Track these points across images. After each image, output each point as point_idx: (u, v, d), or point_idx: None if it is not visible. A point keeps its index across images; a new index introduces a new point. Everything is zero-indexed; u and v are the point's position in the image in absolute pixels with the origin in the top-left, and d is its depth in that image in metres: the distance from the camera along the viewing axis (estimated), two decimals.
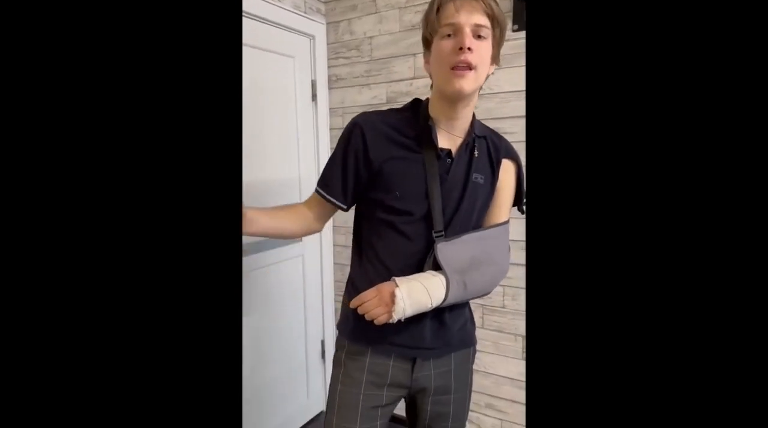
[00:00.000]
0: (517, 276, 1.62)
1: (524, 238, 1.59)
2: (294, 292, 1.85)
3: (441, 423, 0.97)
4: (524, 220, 1.47)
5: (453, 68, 0.78)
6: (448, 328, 0.92)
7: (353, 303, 0.83)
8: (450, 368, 0.95)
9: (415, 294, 0.81)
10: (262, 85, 1.62)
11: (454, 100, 0.83)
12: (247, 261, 1.60)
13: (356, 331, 0.91)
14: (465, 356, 0.99)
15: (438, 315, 0.90)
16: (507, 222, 0.97)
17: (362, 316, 0.85)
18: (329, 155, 0.93)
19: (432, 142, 0.86)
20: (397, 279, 0.82)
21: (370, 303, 0.81)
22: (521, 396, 1.68)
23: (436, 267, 0.86)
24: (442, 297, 0.83)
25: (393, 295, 0.80)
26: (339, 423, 0.91)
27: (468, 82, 0.79)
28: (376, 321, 0.81)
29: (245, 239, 1.58)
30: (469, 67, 0.78)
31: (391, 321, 0.81)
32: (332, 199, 0.90)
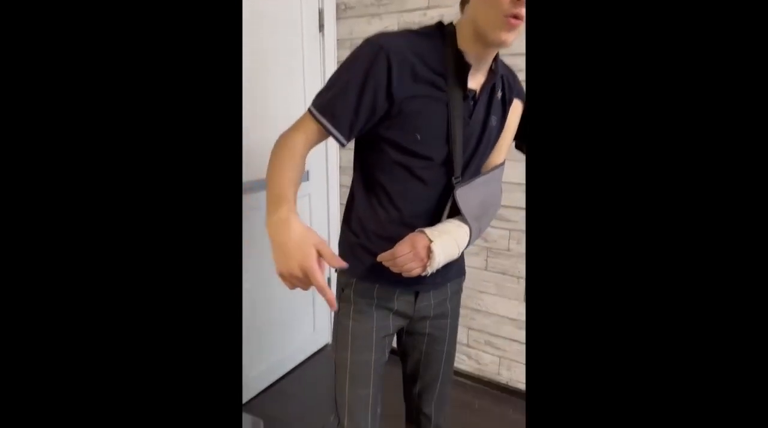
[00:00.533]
0: (523, 219, 1.61)
1: None
2: None
3: (437, 347, 1.02)
4: None
5: (506, 16, 0.69)
6: (448, 264, 0.94)
7: (384, 258, 0.81)
8: (447, 296, 1.00)
9: (448, 248, 0.82)
10: (264, 13, 1.53)
11: (493, 46, 0.76)
12: (256, 197, 1.60)
13: (364, 270, 0.91)
14: (458, 285, 1.03)
15: None
16: (504, 162, 0.96)
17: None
18: (339, 76, 0.77)
19: (464, 83, 0.80)
20: (429, 233, 0.81)
21: (405, 258, 0.79)
22: (520, 335, 1.73)
23: (451, 213, 0.86)
24: (465, 245, 0.86)
25: (429, 250, 0.79)
26: (354, 357, 0.93)
27: (516, 35, 0.72)
28: (407, 275, 0.81)
29: (255, 176, 1.56)
30: (522, 18, 0.70)
31: (423, 274, 0.81)
32: (336, 134, 0.78)
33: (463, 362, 1.87)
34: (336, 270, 1.00)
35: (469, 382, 1.85)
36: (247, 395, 1.75)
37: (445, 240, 0.81)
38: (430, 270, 0.80)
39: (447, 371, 1.07)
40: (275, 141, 0.80)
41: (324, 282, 0.64)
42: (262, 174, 1.66)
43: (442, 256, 0.80)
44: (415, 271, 0.80)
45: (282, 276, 0.66)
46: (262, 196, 1.64)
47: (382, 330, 0.95)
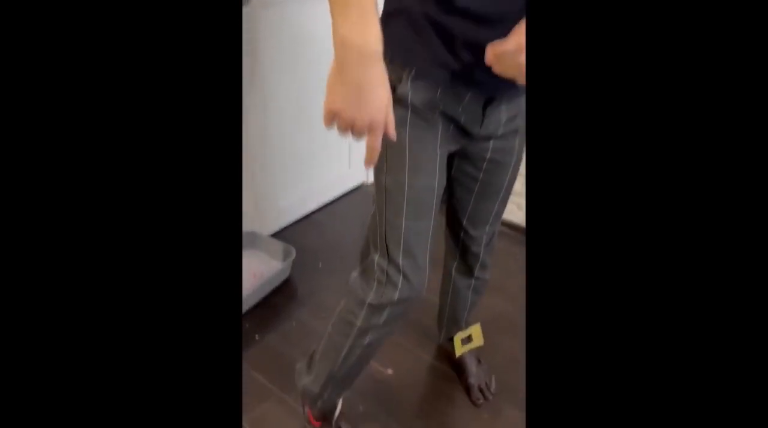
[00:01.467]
0: None
1: None
2: None
3: (497, 177, 0.83)
4: None
5: None
6: None
7: (503, 50, 0.57)
8: (519, 110, 0.75)
9: None
10: None
11: None
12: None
13: (427, 56, 0.65)
14: None
15: None
16: None
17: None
18: None
19: None
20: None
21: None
22: None
23: None
24: None
25: None
26: (414, 181, 0.72)
27: None
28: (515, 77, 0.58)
29: None
30: None
31: None
32: None
33: (512, 213, 1.71)
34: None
35: (513, 233, 1.72)
36: (278, 224, 1.68)
37: None
38: None
39: (504, 204, 0.89)
40: None
41: (379, 146, 0.53)
42: None
43: None
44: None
45: (334, 114, 0.51)
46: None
47: (444, 146, 0.74)
